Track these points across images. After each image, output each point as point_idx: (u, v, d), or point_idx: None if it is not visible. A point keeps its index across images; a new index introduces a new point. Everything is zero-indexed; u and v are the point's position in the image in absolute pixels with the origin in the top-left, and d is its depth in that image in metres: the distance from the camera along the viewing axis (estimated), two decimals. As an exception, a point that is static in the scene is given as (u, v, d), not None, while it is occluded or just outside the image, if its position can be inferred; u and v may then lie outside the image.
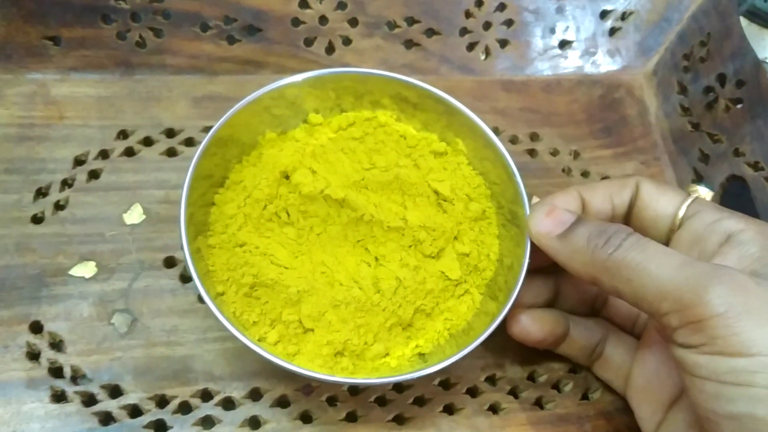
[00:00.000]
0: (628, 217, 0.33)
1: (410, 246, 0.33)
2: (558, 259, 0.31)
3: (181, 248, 0.31)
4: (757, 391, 0.24)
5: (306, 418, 0.34)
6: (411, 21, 0.45)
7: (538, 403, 0.36)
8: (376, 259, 0.33)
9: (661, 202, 0.32)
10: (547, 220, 0.31)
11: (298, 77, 0.35)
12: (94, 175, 0.39)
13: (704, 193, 0.33)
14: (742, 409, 0.24)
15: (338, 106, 0.37)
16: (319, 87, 0.36)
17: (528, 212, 0.32)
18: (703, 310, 0.25)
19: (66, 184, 0.39)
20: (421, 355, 0.33)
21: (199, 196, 0.33)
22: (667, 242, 0.32)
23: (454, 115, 0.36)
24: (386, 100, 0.37)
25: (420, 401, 0.35)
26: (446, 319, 0.34)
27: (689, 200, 0.32)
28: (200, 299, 0.36)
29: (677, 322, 0.26)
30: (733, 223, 0.30)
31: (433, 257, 0.34)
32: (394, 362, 0.33)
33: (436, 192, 0.35)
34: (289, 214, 0.33)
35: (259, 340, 0.32)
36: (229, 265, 0.32)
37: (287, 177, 0.33)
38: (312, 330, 0.32)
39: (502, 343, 0.36)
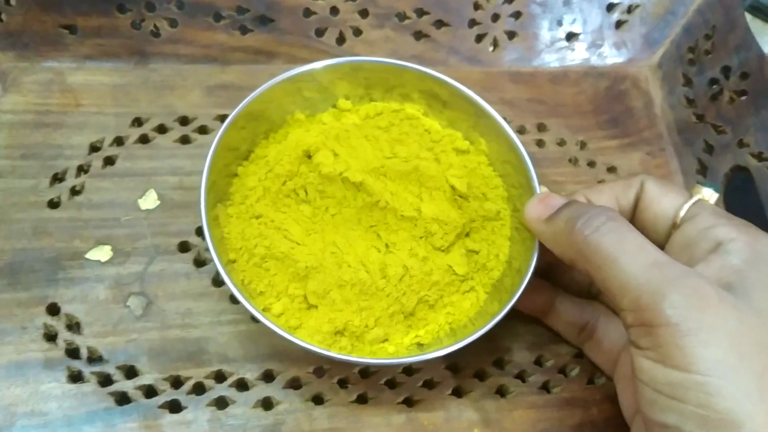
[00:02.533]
0: (633, 217, 0.33)
1: (421, 237, 0.34)
2: (545, 243, 0.31)
3: (199, 208, 0.32)
4: (688, 407, 0.24)
5: (318, 399, 0.35)
6: (420, 12, 0.46)
7: (545, 387, 0.37)
8: (387, 245, 0.34)
9: (663, 202, 0.32)
10: (539, 206, 0.31)
11: (335, 61, 0.37)
12: (109, 161, 0.40)
13: (708, 194, 0.33)
14: (672, 421, 0.24)
15: (368, 95, 0.38)
16: (353, 74, 0.37)
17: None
18: (656, 316, 0.25)
19: (82, 170, 0.40)
20: (420, 345, 0.34)
21: (224, 165, 0.35)
22: (666, 243, 0.32)
23: (483, 117, 0.36)
24: (416, 94, 0.38)
25: (429, 384, 0.36)
26: (449, 313, 0.34)
27: (690, 202, 0.31)
28: (214, 283, 0.37)
29: (631, 320, 0.26)
30: (726, 231, 0.29)
31: (442, 250, 0.34)
32: (392, 348, 0.33)
33: (453, 187, 0.35)
34: (307, 192, 0.34)
35: (263, 310, 0.32)
36: (244, 234, 0.33)
37: (309, 156, 0.34)
38: (316, 306, 0.33)
39: (510, 329, 0.37)
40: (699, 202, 0.31)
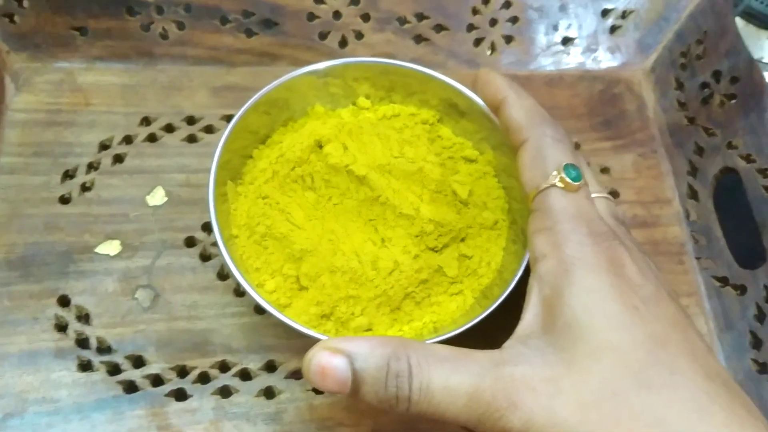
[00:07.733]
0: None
1: (416, 236, 0.35)
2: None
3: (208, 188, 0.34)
4: None
5: (319, 389, 0.36)
6: (420, 17, 0.47)
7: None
8: (383, 240, 0.35)
9: (525, 175, 0.30)
10: (328, 383, 0.26)
11: (366, 60, 0.39)
12: (118, 159, 0.41)
13: (571, 179, 0.29)
14: None
15: (388, 96, 0.40)
16: (379, 76, 0.39)
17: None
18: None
19: (92, 167, 0.41)
20: None
21: (241, 146, 0.36)
22: None
23: (496, 131, 0.37)
24: (435, 101, 0.39)
25: (426, 375, 0.37)
26: (434, 312, 0.35)
27: (543, 186, 0.29)
28: (219, 277, 0.38)
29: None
30: (542, 242, 0.28)
31: (435, 251, 0.35)
32: None
33: (455, 192, 0.36)
34: (313, 180, 0.35)
35: (257, 285, 0.34)
36: (249, 212, 0.35)
37: (321, 146, 0.36)
38: (306, 288, 0.34)
39: (506, 324, 0.38)
40: (547, 191, 0.29)
